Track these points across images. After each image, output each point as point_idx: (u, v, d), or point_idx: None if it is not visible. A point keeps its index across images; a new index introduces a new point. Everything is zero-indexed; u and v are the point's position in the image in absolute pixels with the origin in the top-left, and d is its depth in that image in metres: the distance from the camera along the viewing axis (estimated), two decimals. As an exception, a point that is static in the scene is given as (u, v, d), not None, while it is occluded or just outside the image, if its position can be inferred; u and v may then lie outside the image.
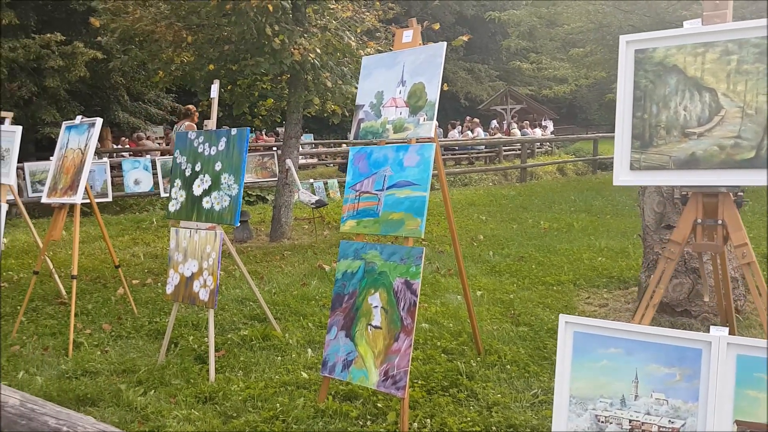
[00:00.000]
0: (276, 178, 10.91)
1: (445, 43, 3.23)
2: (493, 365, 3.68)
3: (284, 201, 8.42)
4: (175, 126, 8.69)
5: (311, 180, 12.79)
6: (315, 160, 18.02)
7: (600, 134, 21.09)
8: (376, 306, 3.15)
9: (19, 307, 5.22)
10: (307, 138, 20.65)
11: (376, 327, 3.12)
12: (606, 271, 5.94)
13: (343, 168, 16.39)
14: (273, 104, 9.32)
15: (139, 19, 7.04)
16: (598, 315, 4.83)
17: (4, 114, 5.45)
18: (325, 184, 12.98)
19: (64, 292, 5.59)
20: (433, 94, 3.19)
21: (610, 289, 5.49)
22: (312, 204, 8.18)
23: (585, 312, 4.85)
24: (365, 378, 3.09)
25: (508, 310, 4.81)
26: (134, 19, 7.08)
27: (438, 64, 3.20)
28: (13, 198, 5.87)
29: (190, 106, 8.31)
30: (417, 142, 3.25)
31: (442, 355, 3.87)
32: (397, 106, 3.37)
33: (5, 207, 5.11)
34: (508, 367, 3.65)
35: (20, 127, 5.23)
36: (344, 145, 20.12)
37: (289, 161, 8.21)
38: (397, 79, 3.39)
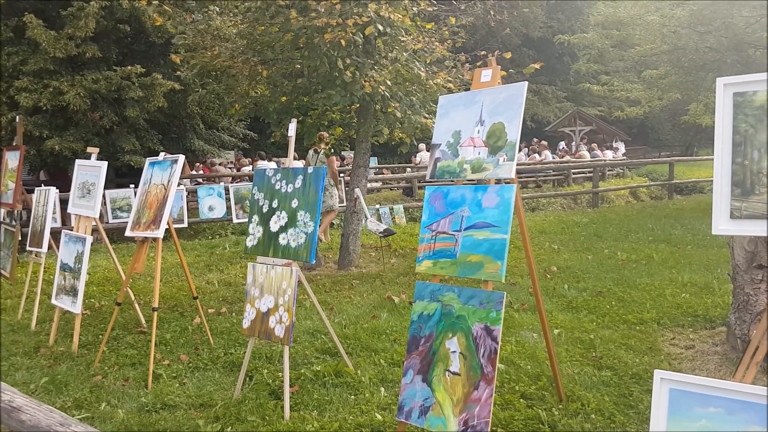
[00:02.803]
0: (343, 204, 11.04)
1: (526, 83, 3.16)
2: (576, 414, 3.52)
3: (352, 229, 8.48)
4: (310, 152, 9.37)
5: (377, 206, 12.85)
6: (379, 184, 18.12)
7: (676, 158, 20.28)
8: (454, 351, 3.07)
9: (100, 336, 5.43)
10: (371, 162, 20.83)
11: (454, 373, 3.04)
12: (691, 309, 5.64)
13: (407, 192, 16.39)
14: (341, 132, 9.45)
15: (218, 55, 7.31)
16: (685, 358, 4.58)
17: (90, 149, 5.72)
18: (391, 209, 13.01)
19: (143, 321, 5.77)
20: (514, 134, 3.12)
21: (696, 329, 5.20)
22: (380, 233, 8.19)
23: (671, 355, 4.60)
24: (443, 426, 3.00)
25: (589, 352, 4.62)
26: (212, 56, 7.35)
27: (519, 104, 3.13)
28: (95, 224, 6.13)
29: (323, 134, 8.84)
30: (496, 183, 3.18)
31: (521, 400, 3.74)
32: (475, 146, 3.32)
33: (90, 239, 5.35)
34: (593, 416, 3.48)
35: (105, 163, 5.48)
36: (408, 169, 20.16)
37: (357, 190, 8.27)
38: (476, 118, 3.34)
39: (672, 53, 14.24)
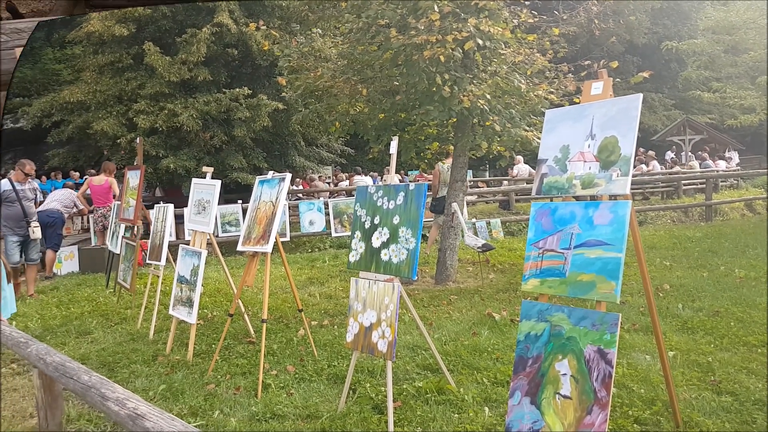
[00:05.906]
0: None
1: (641, 95, 3.03)
2: (696, 443, 3.31)
3: (449, 244, 8.43)
4: (438, 164, 9.88)
5: (473, 220, 12.71)
6: (475, 197, 17.94)
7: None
8: (565, 374, 2.97)
9: (213, 345, 5.71)
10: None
11: (565, 396, 2.94)
12: (819, 331, 5.17)
13: (504, 205, 16.12)
14: (438, 147, 9.46)
15: (320, 76, 7.55)
16: (816, 386, 4.19)
17: (205, 169, 6.06)
18: (488, 223, 12.83)
19: (252, 331, 6.01)
20: (629, 148, 3.00)
21: (825, 353, 4.75)
22: (478, 248, 8.09)
23: (800, 382, 4.23)
24: (553, 450, 2.91)
25: (707, 375, 4.33)
26: (315, 77, 7.61)
27: (633, 117, 3.01)
28: (209, 238, 6.46)
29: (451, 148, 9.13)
30: (609, 199, 3.07)
31: (635, 425, 3.56)
32: (585, 161, 3.21)
33: (205, 253, 5.65)
34: (715, 446, 3.26)
35: (219, 182, 5.78)
36: (505, 182, 19.87)
37: (455, 205, 8.23)
38: (586, 132, 3.24)
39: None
